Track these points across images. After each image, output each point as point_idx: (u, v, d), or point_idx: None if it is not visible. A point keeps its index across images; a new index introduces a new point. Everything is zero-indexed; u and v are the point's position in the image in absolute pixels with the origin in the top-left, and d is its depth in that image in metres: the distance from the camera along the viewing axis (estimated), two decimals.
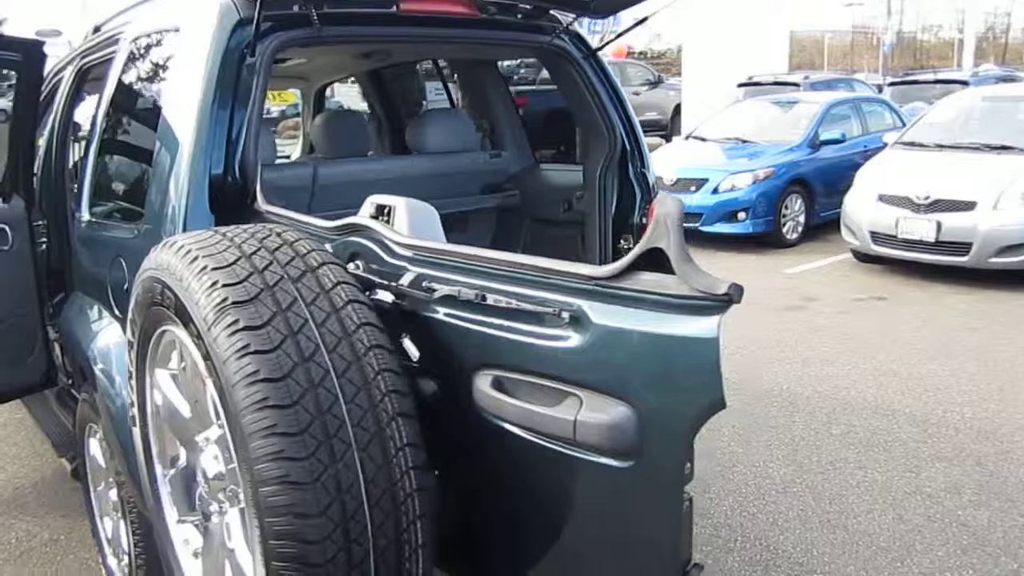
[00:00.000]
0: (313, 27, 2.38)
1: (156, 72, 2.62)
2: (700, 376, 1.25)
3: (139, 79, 2.79)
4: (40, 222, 3.33)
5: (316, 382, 1.40)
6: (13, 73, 3.20)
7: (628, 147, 3.12)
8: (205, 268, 1.50)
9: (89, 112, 3.13)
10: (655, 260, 1.28)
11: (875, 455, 3.99)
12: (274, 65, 4.36)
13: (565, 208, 3.37)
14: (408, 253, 1.69)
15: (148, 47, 2.71)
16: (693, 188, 8.85)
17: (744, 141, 9.69)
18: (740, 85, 14.02)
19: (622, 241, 3.13)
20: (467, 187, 3.59)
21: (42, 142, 3.60)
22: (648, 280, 1.29)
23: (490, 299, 1.49)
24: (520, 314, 1.47)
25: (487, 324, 1.54)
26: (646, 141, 3.23)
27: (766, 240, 8.82)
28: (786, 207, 8.95)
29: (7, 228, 3.25)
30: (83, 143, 3.18)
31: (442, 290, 1.58)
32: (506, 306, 1.47)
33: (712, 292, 1.19)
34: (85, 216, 2.91)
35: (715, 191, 8.77)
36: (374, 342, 1.50)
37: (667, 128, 17.36)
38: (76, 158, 3.65)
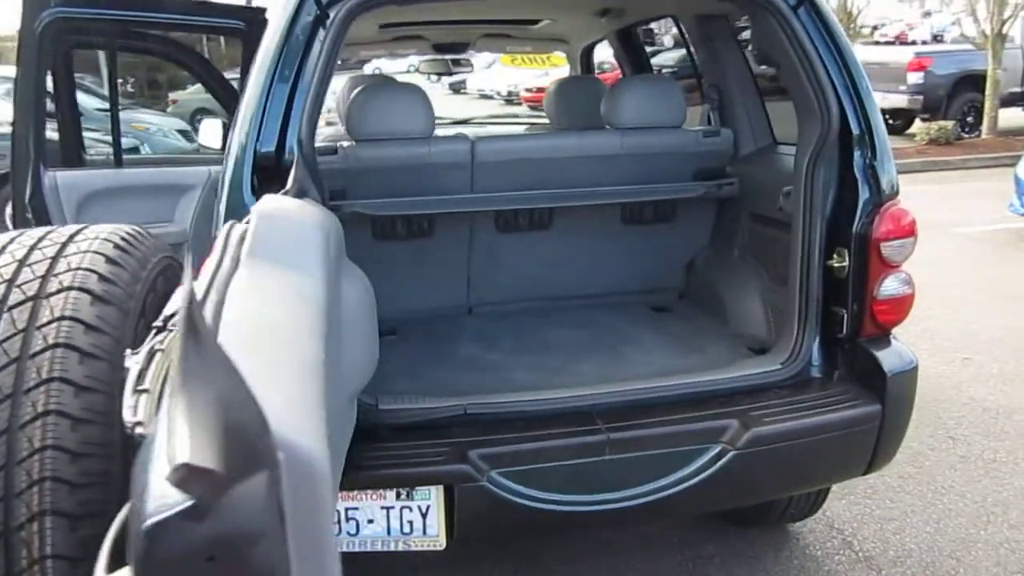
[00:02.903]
0: None
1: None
2: None
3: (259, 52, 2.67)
4: None
5: None
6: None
7: (856, 129, 2.28)
8: None
9: None
10: None
11: None
12: (529, 27, 4.10)
13: (778, 205, 2.61)
14: None
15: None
16: None
17: None
18: None
19: (835, 257, 2.31)
20: (671, 171, 2.94)
21: None
22: None
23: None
24: None
25: None
26: None
27: None
28: None
29: None
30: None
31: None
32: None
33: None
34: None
35: None
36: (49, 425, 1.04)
37: None
38: None
